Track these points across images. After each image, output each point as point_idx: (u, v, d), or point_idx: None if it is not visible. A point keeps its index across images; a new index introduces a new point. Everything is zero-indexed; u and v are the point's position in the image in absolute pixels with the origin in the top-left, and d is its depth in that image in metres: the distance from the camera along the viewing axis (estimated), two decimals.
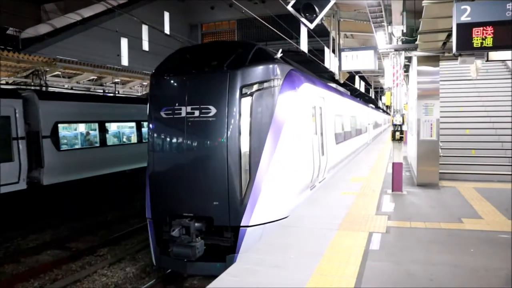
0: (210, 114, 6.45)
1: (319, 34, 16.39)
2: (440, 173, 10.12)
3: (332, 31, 14.34)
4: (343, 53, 11.07)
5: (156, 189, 6.93)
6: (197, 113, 6.52)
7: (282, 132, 6.77)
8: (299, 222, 6.61)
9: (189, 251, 6.15)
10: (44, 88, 13.44)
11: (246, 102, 6.52)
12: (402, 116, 9.11)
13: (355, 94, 26.92)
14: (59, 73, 14.45)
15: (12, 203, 10.24)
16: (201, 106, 6.51)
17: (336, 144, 11.51)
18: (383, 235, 5.94)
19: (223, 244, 6.46)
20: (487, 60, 8.62)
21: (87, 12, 23.77)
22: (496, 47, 5.75)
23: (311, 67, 14.54)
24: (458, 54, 8.28)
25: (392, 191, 9.11)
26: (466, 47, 5.78)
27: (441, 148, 10.48)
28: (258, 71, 6.71)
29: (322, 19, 9.59)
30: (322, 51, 14.52)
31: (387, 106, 37.34)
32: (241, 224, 6.32)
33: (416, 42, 9.03)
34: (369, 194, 8.87)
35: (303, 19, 6.88)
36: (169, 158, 6.81)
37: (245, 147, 6.44)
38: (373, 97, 36.97)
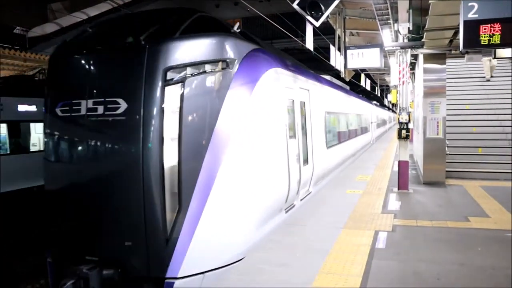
0: (119, 111, 4.52)
1: (325, 32, 16.36)
2: (447, 171, 10.06)
3: (338, 29, 14.34)
4: (348, 51, 11.07)
5: (51, 217, 5.07)
6: (101, 109, 4.61)
7: (234, 136, 4.87)
8: (304, 220, 6.60)
9: None
10: None
11: (174, 92, 4.54)
12: (408, 114, 9.07)
13: (358, 90, 26.55)
14: None
15: None
16: (106, 100, 4.58)
17: (327, 149, 9.77)
18: (389, 233, 5.91)
19: None
20: (494, 58, 8.58)
21: (93, 11, 23.88)
22: (503, 44, 5.69)
23: (316, 65, 14.50)
24: (465, 52, 8.24)
25: (398, 189, 9.07)
26: (474, 44, 5.73)
27: (448, 146, 10.42)
28: (196, 47, 4.71)
29: (327, 17, 9.56)
30: (328, 49, 14.50)
31: (393, 104, 37.25)
32: (167, 275, 4.40)
33: (423, 40, 8.97)
34: (375, 192, 8.84)
35: (308, 17, 6.85)
36: (65, 175, 4.93)
37: (171, 160, 4.48)
38: (378, 95, 36.86)
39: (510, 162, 10.57)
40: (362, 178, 10.63)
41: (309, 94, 8.28)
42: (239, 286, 4.24)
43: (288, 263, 4.77)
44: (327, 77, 12.35)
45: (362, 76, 24.72)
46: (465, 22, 5.62)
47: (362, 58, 10.85)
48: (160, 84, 4.49)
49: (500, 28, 5.51)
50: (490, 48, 7.85)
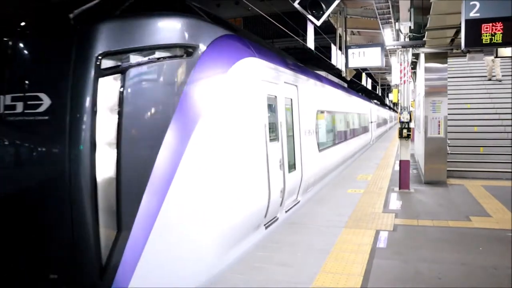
0: (40, 109, 3.63)
1: (326, 31, 16.33)
2: (448, 170, 10.05)
3: (339, 28, 14.32)
4: (349, 50, 11.05)
5: None
6: (20, 106, 3.71)
7: (193, 140, 3.95)
8: (305, 219, 6.59)
9: None
10: None
11: (112, 85, 3.66)
12: (410, 113, 9.06)
13: (357, 89, 26.39)
14: None
15: None
16: (26, 95, 3.69)
17: (319, 152, 8.96)
18: (390, 233, 5.90)
19: None
20: (496, 57, 8.55)
21: None
22: (505, 43, 5.70)
23: (317, 64, 14.45)
24: (467, 51, 8.22)
25: (399, 189, 9.06)
26: (475, 43, 5.72)
27: (449, 146, 10.41)
28: (143, 28, 3.82)
29: (328, 16, 9.54)
30: (329, 49, 14.48)
31: (394, 103, 37.23)
32: None
33: (424, 39, 8.96)
34: (376, 191, 8.83)
35: (309, 16, 6.82)
36: None
37: (106, 170, 3.61)
38: (380, 94, 36.86)
39: (511, 161, 10.55)
40: (363, 178, 10.61)
41: (298, 91, 7.44)
42: (239, 286, 4.24)
43: (289, 263, 4.76)
44: (323, 73, 11.94)
45: (363, 75, 24.67)
46: (466, 21, 5.61)
47: (363, 57, 10.83)
48: (92, 74, 3.56)
49: (502, 27, 5.50)
50: (491, 47, 7.82)
